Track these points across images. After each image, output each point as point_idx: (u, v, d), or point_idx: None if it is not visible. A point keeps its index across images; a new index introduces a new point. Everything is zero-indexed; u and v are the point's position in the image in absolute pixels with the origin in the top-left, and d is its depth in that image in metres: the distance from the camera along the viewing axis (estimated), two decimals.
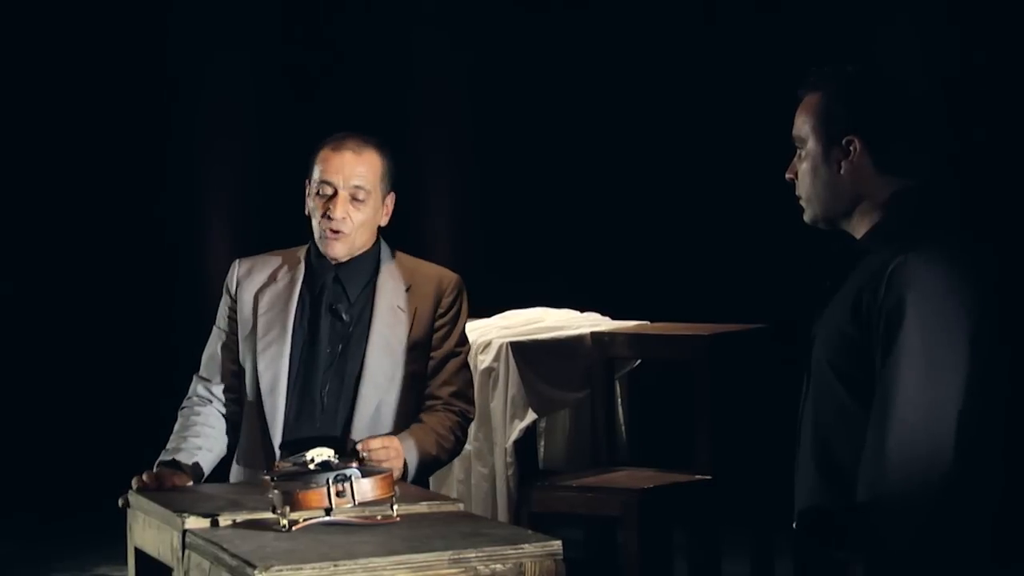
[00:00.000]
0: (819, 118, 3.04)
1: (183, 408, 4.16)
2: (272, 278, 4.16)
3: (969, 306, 2.87)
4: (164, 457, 4.02)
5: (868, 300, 2.89)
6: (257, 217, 7.74)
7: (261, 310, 4.13)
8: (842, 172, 3.03)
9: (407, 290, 4.15)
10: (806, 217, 3.11)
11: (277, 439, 4.01)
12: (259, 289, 4.15)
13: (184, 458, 4.01)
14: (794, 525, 3.06)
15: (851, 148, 3.01)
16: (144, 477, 3.83)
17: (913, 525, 2.80)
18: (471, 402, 4.21)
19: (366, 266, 4.15)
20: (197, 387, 4.18)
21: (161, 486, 3.80)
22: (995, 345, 2.89)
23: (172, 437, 4.09)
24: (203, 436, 4.08)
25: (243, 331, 4.14)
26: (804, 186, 3.08)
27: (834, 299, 3.00)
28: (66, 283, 7.82)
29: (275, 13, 7.99)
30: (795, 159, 3.10)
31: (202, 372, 4.19)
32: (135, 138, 7.85)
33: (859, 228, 3.05)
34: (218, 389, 4.15)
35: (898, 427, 2.81)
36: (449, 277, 4.22)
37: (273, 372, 4.07)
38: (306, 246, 4.20)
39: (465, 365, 4.22)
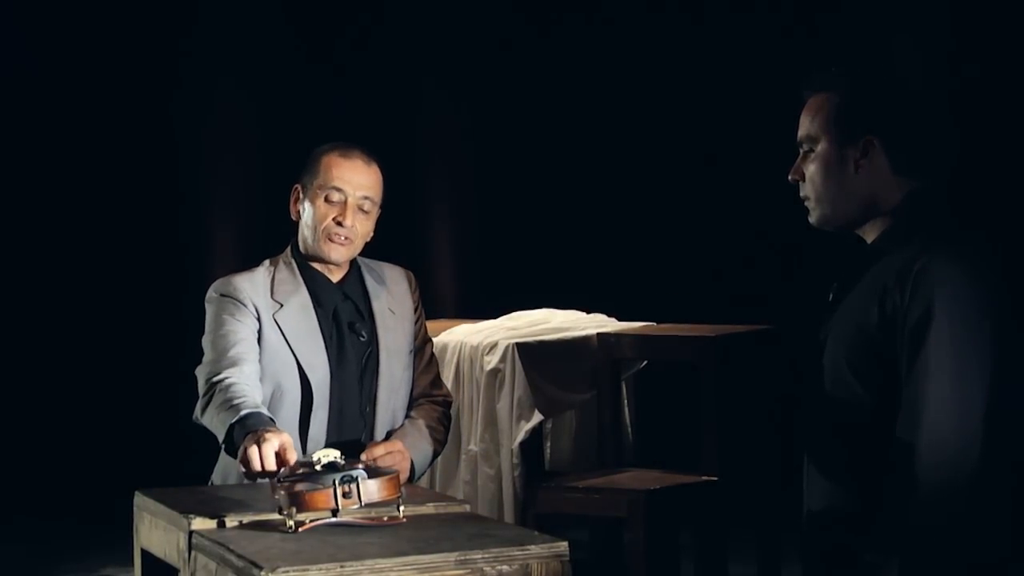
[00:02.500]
0: (833, 118, 3.03)
1: (217, 384, 3.85)
2: (276, 301, 4.08)
3: (990, 305, 2.89)
4: (243, 412, 3.72)
5: (894, 301, 2.89)
6: (263, 223, 7.74)
7: (290, 336, 4.05)
8: (858, 172, 3.02)
9: (390, 293, 4.20)
10: (813, 219, 3.10)
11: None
12: (273, 313, 4.06)
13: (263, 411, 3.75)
14: (804, 526, 3.06)
15: (868, 148, 3.01)
16: (262, 460, 3.52)
17: (948, 523, 2.81)
18: (444, 385, 4.33)
19: (357, 277, 4.18)
20: (227, 366, 3.90)
21: (281, 456, 3.53)
22: (1014, 343, 2.90)
23: (220, 407, 3.79)
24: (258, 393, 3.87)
25: (274, 355, 4.03)
26: (814, 187, 3.07)
27: (847, 300, 3.00)
28: (73, 284, 7.82)
29: (282, 30, 7.98)
30: (799, 160, 3.09)
31: (228, 357, 3.92)
32: (145, 144, 7.86)
33: (872, 230, 3.04)
34: (251, 371, 3.93)
35: (929, 428, 2.83)
36: (409, 273, 4.31)
37: (322, 397, 4.04)
38: (285, 256, 4.15)
39: (434, 351, 4.34)
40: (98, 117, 7.79)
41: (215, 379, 3.90)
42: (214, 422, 3.85)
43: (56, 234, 7.81)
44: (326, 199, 4.06)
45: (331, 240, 4.07)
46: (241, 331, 4.01)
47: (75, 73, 7.75)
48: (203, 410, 3.91)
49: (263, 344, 4.04)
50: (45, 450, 7.68)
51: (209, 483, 4.10)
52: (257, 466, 3.55)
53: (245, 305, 4.05)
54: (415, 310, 4.25)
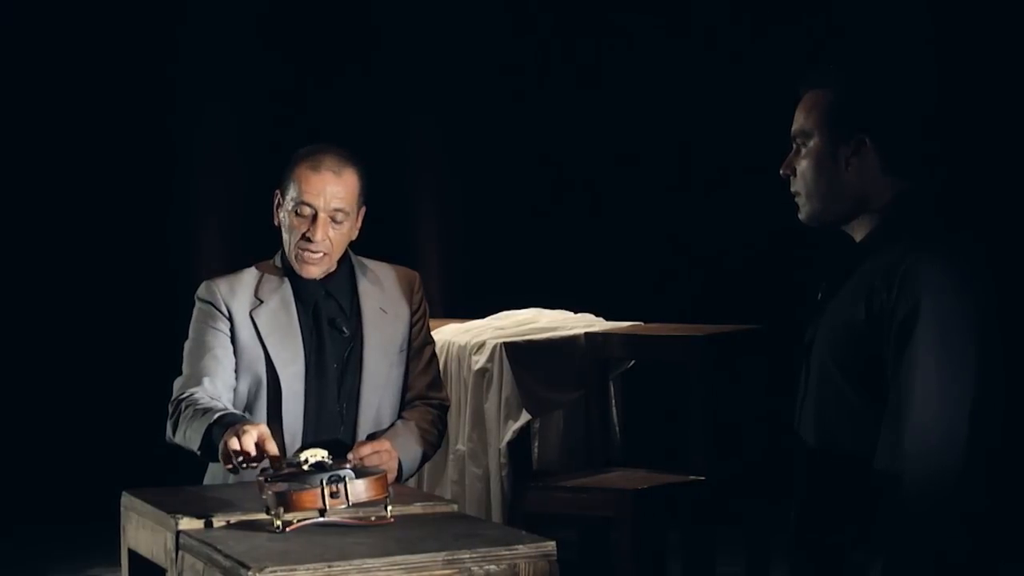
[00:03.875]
0: (827, 115, 3.03)
1: (184, 400, 3.97)
2: (258, 298, 4.12)
3: (977, 304, 2.89)
4: (217, 414, 3.84)
5: (881, 299, 2.89)
6: (253, 225, 7.72)
7: (264, 331, 4.08)
8: (848, 170, 3.02)
9: (384, 292, 4.19)
10: (802, 215, 3.10)
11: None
12: (251, 310, 4.10)
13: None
14: (792, 524, 3.06)
15: (860, 147, 3.01)
16: (241, 449, 3.62)
17: (932, 519, 2.82)
18: (444, 389, 4.32)
19: (347, 276, 4.17)
20: (200, 381, 4.01)
21: (261, 446, 3.64)
22: (997, 342, 2.91)
23: (191, 417, 3.90)
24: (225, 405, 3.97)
25: (244, 353, 4.08)
26: (805, 183, 3.06)
27: (836, 299, 3.00)
28: (62, 284, 7.81)
29: (275, 34, 7.98)
30: (792, 155, 3.09)
31: (199, 371, 4.04)
32: (138, 147, 7.85)
33: (860, 228, 3.05)
34: (221, 383, 4.04)
35: (914, 426, 2.83)
36: (413, 274, 4.29)
37: (294, 393, 4.06)
38: (275, 260, 4.18)
39: (435, 354, 4.31)
40: (89, 119, 7.77)
41: (181, 397, 4.00)
42: (187, 433, 3.92)
43: (47, 236, 7.80)
44: (297, 213, 4.05)
45: (303, 260, 4.08)
46: (211, 341, 4.08)
47: (67, 76, 7.74)
48: (173, 429, 4.00)
49: (237, 343, 4.09)
50: (32, 451, 7.66)
51: None
52: (237, 451, 3.63)
53: (218, 308, 4.11)
54: (414, 312, 4.23)
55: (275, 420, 4.03)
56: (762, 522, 5.54)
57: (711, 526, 5.47)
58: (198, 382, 4.02)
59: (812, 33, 7.00)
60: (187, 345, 4.14)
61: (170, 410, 4.03)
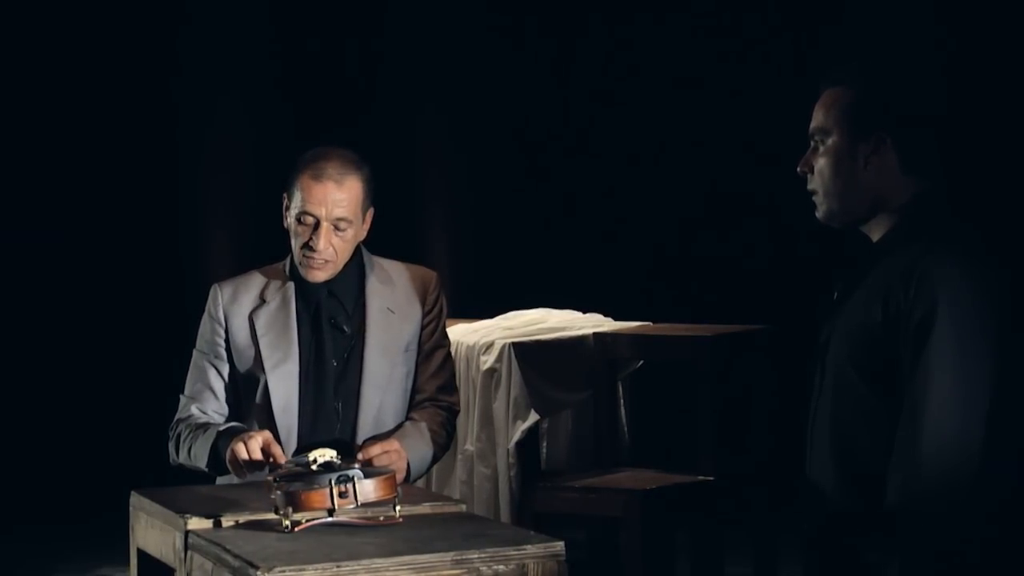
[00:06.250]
0: (848, 112, 3.01)
1: (182, 421, 4.11)
2: (261, 299, 4.14)
3: (993, 306, 2.89)
4: (222, 428, 3.99)
5: (897, 300, 2.89)
6: (259, 228, 7.74)
7: (260, 332, 4.11)
8: (867, 168, 3.01)
9: (394, 292, 4.18)
10: (819, 214, 3.09)
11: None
12: (251, 312, 4.13)
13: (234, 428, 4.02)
14: (809, 526, 3.06)
15: (880, 145, 3.00)
16: (248, 455, 3.79)
17: (949, 522, 2.82)
18: (456, 393, 4.29)
19: (354, 276, 4.17)
20: (190, 407, 4.12)
21: (267, 450, 3.80)
22: (1015, 343, 2.91)
23: (192, 437, 4.04)
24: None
25: (240, 356, 4.12)
26: (822, 180, 3.05)
27: (852, 299, 3.00)
28: (69, 283, 7.82)
29: (280, 34, 7.98)
30: (809, 153, 3.07)
31: (192, 395, 4.15)
32: (144, 147, 7.86)
33: (877, 228, 3.04)
34: (212, 410, 4.12)
35: (931, 427, 2.83)
36: (430, 275, 4.27)
37: (285, 390, 4.08)
38: (285, 262, 4.20)
39: (449, 357, 4.28)
40: (95, 119, 7.78)
41: (181, 417, 4.13)
42: (193, 451, 4.03)
43: (58, 234, 7.81)
44: (300, 221, 4.06)
45: (308, 266, 4.09)
46: (205, 363, 4.16)
47: (74, 76, 7.75)
48: (176, 450, 4.12)
49: (233, 348, 4.14)
50: (41, 450, 7.67)
51: None
52: (244, 456, 3.77)
53: (216, 319, 4.16)
54: (427, 312, 4.21)
55: (268, 418, 4.06)
56: (770, 522, 5.54)
57: (719, 526, 5.47)
58: (189, 408, 4.13)
59: (829, 33, 6.99)
60: (192, 357, 4.20)
61: (170, 434, 4.13)
